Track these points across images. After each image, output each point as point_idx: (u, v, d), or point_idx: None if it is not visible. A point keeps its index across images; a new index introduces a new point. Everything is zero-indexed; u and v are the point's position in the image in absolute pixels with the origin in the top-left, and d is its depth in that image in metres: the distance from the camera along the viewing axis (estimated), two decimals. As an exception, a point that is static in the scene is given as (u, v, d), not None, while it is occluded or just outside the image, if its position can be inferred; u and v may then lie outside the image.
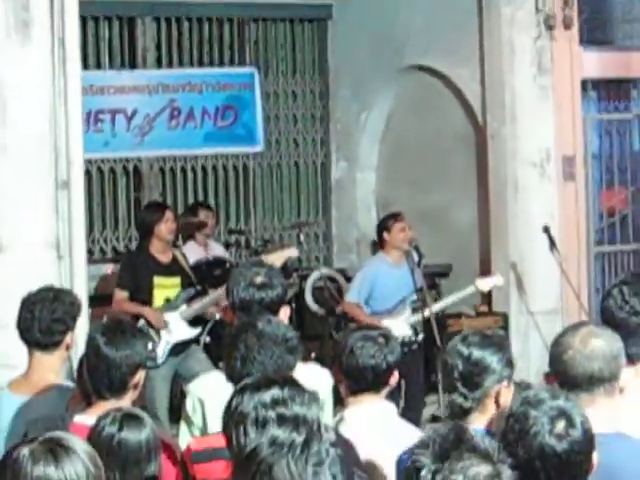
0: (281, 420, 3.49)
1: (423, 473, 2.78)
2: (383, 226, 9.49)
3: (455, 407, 4.25)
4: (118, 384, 4.60)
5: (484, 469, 2.77)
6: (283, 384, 3.67)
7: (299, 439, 3.49)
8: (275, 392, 3.59)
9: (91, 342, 4.72)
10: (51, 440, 3.06)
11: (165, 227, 8.82)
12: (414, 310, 9.35)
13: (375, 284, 9.32)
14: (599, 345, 3.89)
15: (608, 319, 4.30)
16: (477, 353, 4.27)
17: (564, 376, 3.88)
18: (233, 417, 3.60)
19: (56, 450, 3.04)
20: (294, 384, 3.73)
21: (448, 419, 4.34)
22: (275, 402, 3.54)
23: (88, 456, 3.07)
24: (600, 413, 3.63)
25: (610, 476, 3.50)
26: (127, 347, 4.64)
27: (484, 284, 9.51)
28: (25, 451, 3.03)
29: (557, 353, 3.98)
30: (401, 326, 8.88)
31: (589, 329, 4.01)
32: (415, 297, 9.42)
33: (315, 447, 3.55)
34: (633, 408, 3.91)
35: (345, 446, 4.28)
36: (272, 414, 3.51)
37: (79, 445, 3.09)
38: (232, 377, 4.52)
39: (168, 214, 9.00)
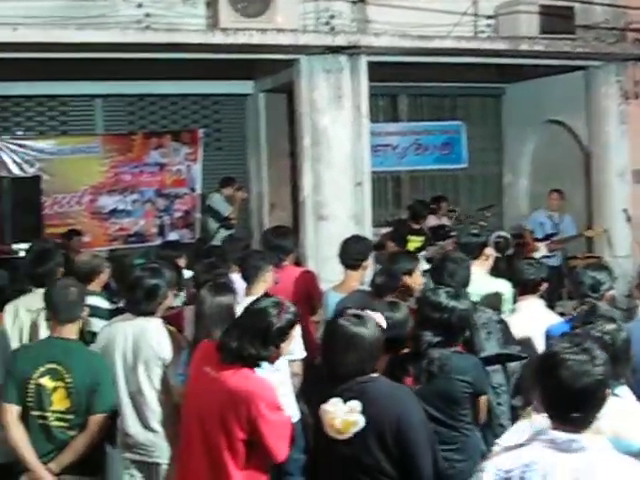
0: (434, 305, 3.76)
1: (577, 330, 2.83)
2: None
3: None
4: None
5: (612, 326, 2.83)
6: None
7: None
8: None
9: None
10: (355, 314, 3.16)
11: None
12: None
13: None
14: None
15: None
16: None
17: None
18: None
19: (358, 317, 3.11)
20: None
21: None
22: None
23: (375, 323, 3.05)
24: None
25: None
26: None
27: None
28: (340, 319, 3.11)
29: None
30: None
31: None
32: None
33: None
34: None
35: (504, 325, 4.61)
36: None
37: (371, 316, 3.09)
38: None
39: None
